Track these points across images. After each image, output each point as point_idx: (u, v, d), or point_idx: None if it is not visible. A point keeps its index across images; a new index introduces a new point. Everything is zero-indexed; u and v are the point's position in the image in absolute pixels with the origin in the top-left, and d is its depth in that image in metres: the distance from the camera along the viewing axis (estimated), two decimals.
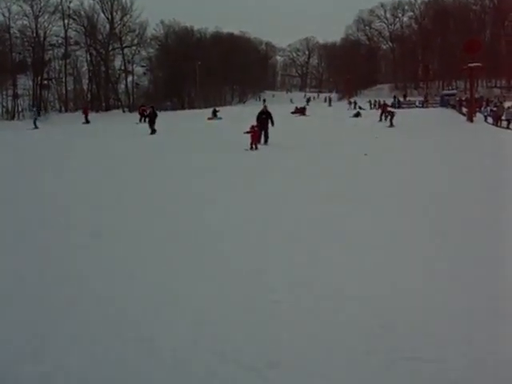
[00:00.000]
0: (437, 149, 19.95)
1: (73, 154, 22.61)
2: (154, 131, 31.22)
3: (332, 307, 5.46)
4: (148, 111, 35.47)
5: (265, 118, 23.70)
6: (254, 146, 21.52)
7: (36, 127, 42.81)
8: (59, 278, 6.55)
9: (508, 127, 30.88)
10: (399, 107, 55.23)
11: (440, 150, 19.63)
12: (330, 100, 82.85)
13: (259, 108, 25.57)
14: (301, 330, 5.00)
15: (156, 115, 32.57)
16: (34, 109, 57.38)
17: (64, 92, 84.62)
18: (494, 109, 36.43)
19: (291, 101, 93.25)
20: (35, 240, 8.49)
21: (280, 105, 67.47)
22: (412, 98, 72.32)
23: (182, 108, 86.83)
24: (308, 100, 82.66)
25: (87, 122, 49.20)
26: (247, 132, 22.13)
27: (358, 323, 5.09)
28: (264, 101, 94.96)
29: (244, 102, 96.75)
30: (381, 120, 36.18)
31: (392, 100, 64.57)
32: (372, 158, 17.51)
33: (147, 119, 36.34)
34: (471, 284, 6.01)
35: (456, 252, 7.19)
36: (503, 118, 32.79)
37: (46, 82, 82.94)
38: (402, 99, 69.46)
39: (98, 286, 6.28)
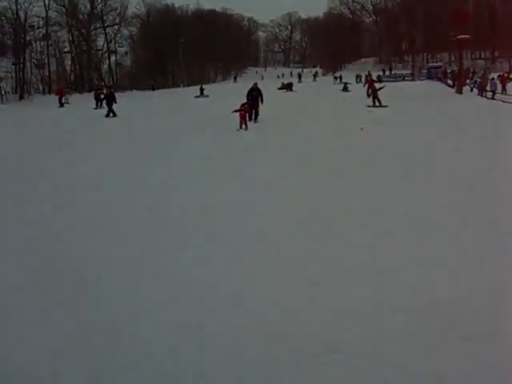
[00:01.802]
0: (431, 120, 20.01)
1: None
2: (114, 114, 29.51)
3: None
4: (105, 93, 33.09)
5: (255, 94, 23.50)
6: (243, 126, 20.55)
7: None
8: None
9: (493, 98, 31.47)
10: (380, 81, 54.84)
11: (437, 121, 19.68)
12: (300, 75, 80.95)
13: (240, 85, 25.16)
14: None
15: (113, 97, 30.49)
16: None
17: (47, 74, 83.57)
18: (479, 80, 36.90)
19: (262, 78, 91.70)
20: None
21: (262, 81, 67.15)
22: (397, 72, 72.26)
23: (166, 86, 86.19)
24: (299, 76, 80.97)
25: (61, 105, 44.33)
26: (236, 111, 21.13)
27: None
28: (235, 78, 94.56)
29: (235, 79, 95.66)
30: (369, 96, 33.08)
31: (380, 73, 64.71)
32: (368, 132, 17.57)
33: (104, 102, 33.98)
34: None
35: None
36: (488, 88, 33.49)
37: (43, 61, 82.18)
38: (388, 72, 69.63)
39: None
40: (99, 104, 35.98)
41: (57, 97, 46.62)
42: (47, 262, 6.59)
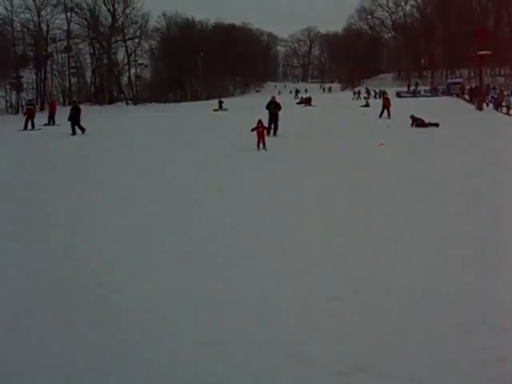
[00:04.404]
0: (457, 138, 20.02)
1: None
2: (73, 131, 25.72)
3: None
4: (72, 106, 27.90)
5: (274, 107, 23.62)
6: (261, 146, 18.50)
7: None
8: None
9: (508, 113, 32.56)
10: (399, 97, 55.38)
11: (462, 139, 19.65)
12: (297, 92, 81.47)
13: (259, 99, 25.09)
14: None
15: (79, 111, 26.67)
16: None
17: (68, 86, 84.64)
18: (496, 96, 37.38)
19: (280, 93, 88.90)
20: None
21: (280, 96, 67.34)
22: (419, 88, 72.50)
23: (185, 100, 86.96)
24: (297, 92, 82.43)
25: (49, 122, 32.61)
26: (254, 129, 18.84)
27: None
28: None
29: (257, 91, 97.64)
30: (381, 116, 30.62)
31: (406, 89, 65.74)
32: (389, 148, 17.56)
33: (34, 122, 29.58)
34: None
35: None
36: (503, 104, 34.60)
37: (73, 69, 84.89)
38: (413, 88, 70.38)
39: None
40: (31, 124, 29.56)
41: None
42: None
